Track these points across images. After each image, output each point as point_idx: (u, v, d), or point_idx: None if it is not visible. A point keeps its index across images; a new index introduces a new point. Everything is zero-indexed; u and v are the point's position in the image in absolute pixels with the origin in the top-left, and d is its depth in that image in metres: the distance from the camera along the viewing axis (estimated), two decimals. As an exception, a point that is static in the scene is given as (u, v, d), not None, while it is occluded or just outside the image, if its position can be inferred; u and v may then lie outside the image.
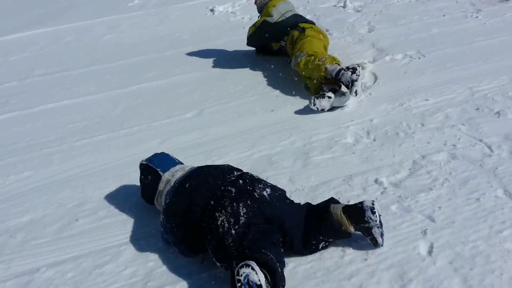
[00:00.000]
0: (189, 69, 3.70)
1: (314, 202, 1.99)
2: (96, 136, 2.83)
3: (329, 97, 2.71)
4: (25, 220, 2.16)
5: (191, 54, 4.04)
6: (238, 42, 4.12)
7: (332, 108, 2.73)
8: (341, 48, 3.65)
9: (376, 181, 2.07)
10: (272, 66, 3.50)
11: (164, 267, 1.77)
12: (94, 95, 3.42)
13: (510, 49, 3.25)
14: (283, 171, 2.26)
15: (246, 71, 3.55)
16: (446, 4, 4.34)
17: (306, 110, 2.79)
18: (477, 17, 3.92)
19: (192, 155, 2.50)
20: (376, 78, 3.06)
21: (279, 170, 2.27)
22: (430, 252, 1.68)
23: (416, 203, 1.91)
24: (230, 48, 4.07)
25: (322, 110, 2.71)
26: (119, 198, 2.23)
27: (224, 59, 3.85)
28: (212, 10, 5.20)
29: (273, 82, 3.28)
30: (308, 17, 4.61)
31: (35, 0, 6.74)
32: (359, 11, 4.59)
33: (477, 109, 2.52)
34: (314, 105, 2.71)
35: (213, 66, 3.70)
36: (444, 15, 4.04)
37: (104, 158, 2.59)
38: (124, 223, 2.05)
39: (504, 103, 2.55)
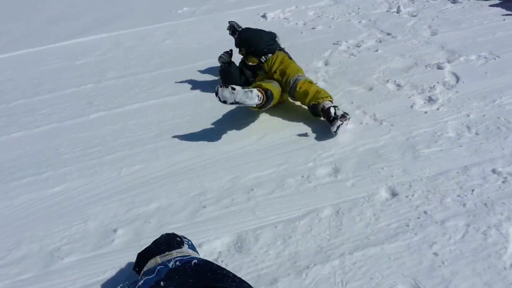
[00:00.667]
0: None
1: (436, 192, 2.11)
2: (192, 133, 2.94)
3: (233, 89, 2.58)
4: (153, 207, 2.27)
5: (257, 57, 4.16)
6: (303, 45, 4.28)
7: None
8: (411, 50, 3.78)
9: (494, 171, 2.16)
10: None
11: (307, 247, 1.88)
12: (175, 96, 3.54)
13: None
14: (394, 163, 2.36)
15: (323, 69, 3.66)
16: (500, 10, 4.47)
17: (399, 106, 2.90)
18: (538, 21, 4.05)
19: (295, 149, 2.61)
20: (457, 77, 3.16)
21: (389, 162, 2.37)
22: None
23: (542, 190, 2.00)
24: (297, 50, 4.17)
25: (224, 102, 2.59)
26: (237, 188, 2.34)
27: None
28: (264, 16, 5.35)
29: (357, 77, 3.40)
30: (363, 22, 4.78)
31: (87, 7, 6.94)
32: (414, 15, 4.72)
33: None
34: (217, 94, 2.59)
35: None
36: (504, 20, 4.16)
37: (208, 152, 2.69)
38: (252, 210, 2.15)
39: None
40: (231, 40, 4.69)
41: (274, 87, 2.95)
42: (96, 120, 3.28)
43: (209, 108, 3.26)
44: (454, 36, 3.97)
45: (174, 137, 2.92)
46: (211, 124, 3.03)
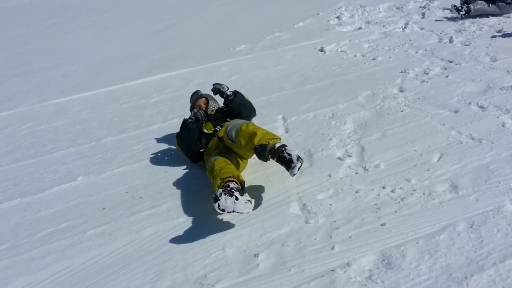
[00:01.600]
0: (342, 99, 3.95)
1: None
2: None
3: (236, 198, 2.36)
4: (285, 231, 2.39)
5: (331, 87, 4.34)
6: (371, 74, 4.49)
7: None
8: (479, 75, 3.97)
9: None
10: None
11: (457, 259, 1.97)
12: (265, 126, 3.71)
13: None
14: (509, 177, 2.49)
15: (401, 95, 3.82)
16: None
17: (491, 126, 3.05)
18: None
19: (405, 169, 2.74)
20: (539, 97, 3.32)
21: (504, 177, 2.49)
22: None
23: None
24: (367, 79, 4.37)
25: (223, 211, 2.33)
26: (362, 208, 2.46)
27: (367, 88, 4.11)
28: (322, 50, 5.60)
29: (439, 101, 3.53)
30: (420, 52, 4.98)
31: (141, 50, 7.35)
32: (467, 45, 4.92)
33: None
34: (216, 200, 2.33)
35: (366, 97, 3.95)
36: None
37: (318, 177, 2.82)
38: (387, 228, 2.27)
39: None
40: (296, 73, 4.97)
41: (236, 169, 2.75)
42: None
43: (306, 136, 3.40)
44: (516, 61, 4.16)
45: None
46: (315, 149, 3.17)
